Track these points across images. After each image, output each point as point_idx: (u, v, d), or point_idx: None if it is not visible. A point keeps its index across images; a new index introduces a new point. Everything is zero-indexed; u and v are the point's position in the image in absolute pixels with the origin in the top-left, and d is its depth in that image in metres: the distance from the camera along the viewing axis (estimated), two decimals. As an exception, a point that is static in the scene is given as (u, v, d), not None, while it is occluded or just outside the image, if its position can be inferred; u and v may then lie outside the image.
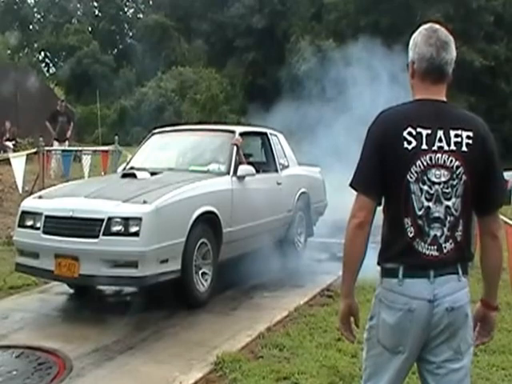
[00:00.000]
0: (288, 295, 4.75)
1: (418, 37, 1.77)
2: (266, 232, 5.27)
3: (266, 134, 6.01)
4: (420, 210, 1.70)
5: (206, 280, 4.46)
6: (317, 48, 23.37)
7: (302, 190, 6.03)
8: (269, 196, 5.43)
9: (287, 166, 6.02)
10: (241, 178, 5.03)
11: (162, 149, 5.87)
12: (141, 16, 36.86)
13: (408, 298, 1.69)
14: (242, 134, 5.45)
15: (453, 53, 1.76)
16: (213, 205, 4.53)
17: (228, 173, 5.00)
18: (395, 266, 1.71)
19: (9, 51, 33.50)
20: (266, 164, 5.92)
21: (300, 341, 3.62)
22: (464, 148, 1.69)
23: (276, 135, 6.13)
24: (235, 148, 5.20)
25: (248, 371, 3.14)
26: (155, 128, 6.05)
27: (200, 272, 4.42)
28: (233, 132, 5.46)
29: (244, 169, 5.07)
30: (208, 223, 4.49)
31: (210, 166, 5.11)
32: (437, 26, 1.77)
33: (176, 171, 5.11)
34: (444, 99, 1.76)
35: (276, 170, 5.83)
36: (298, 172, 6.18)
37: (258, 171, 5.27)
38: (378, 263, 1.78)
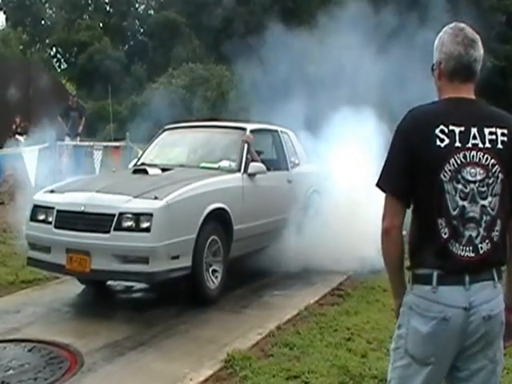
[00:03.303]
0: (298, 294, 4.73)
1: (443, 36, 1.73)
2: (277, 230, 5.26)
3: (276, 131, 5.99)
4: (455, 209, 1.63)
5: (216, 277, 4.46)
6: (326, 46, 23.23)
7: (313, 188, 6.01)
8: (279, 194, 5.41)
9: (298, 164, 6.00)
10: (251, 176, 5.02)
11: (173, 145, 5.87)
12: (152, 12, 36.93)
13: (443, 305, 1.61)
14: (252, 131, 5.44)
15: (480, 50, 1.71)
16: (223, 202, 4.52)
17: (239, 170, 4.99)
18: (428, 271, 1.64)
19: (21, 46, 33.71)
20: (277, 161, 5.90)
21: (310, 340, 3.61)
22: (499, 145, 1.65)
23: (287, 133, 6.11)
24: (246, 145, 5.19)
25: (258, 369, 3.14)
26: (166, 124, 6.05)
27: (210, 269, 4.42)
28: (244, 129, 5.44)
29: (255, 166, 5.06)
30: (219, 220, 4.49)
31: (220, 163, 5.10)
32: (462, 25, 1.73)
33: (187, 168, 5.10)
34: (473, 98, 1.72)
35: (287, 168, 5.81)
36: (309, 170, 6.16)
37: (268, 169, 5.26)
38: (408, 268, 1.71)
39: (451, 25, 1.74)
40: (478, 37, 1.72)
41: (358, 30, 7.03)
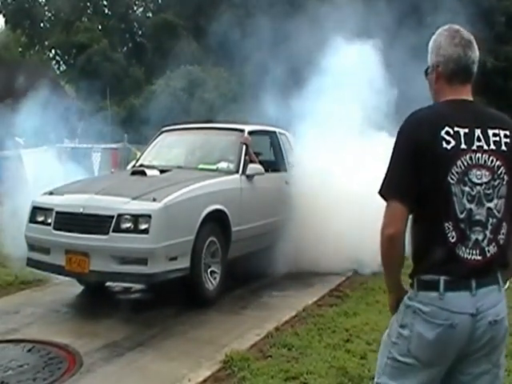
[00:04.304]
0: (297, 295, 4.74)
1: (439, 38, 1.70)
2: (275, 231, 5.27)
3: (274, 132, 6.00)
4: (462, 212, 1.60)
5: (214, 278, 4.47)
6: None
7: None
8: (277, 195, 5.42)
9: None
10: (250, 177, 5.04)
11: (171, 147, 5.88)
12: (150, 15, 36.96)
13: (449, 312, 1.59)
14: (250, 133, 5.45)
15: (477, 51, 1.71)
16: (222, 203, 4.53)
17: (237, 171, 5.01)
18: (435, 277, 1.61)
19: (20, 49, 33.72)
20: (275, 163, 5.91)
21: (309, 341, 3.61)
22: (503, 147, 1.64)
23: (285, 134, 6.12)
24: (244, 146, 5.21)
25: (257, 370, 3.14)
26: (164, 126, 6.06)
27: (209, 270, 4.43)
28: (242, 130, 5.46)
29: (253, 168, 5.07)
30: (217, 221, 4.50)
31: (219, 165, 5.12)
32: (457, 26, 1.72)
33: (185, 169, 5.12)
34: (472, 99, 1.71)
35: (285, 169, 5.82)
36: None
37: (266, 170, 5.27)
38: (411, 276, 1.67)
39: (445, 27, 1.73)
40: (473, 37, 1.71)
41: (354, 26, 7.03)
